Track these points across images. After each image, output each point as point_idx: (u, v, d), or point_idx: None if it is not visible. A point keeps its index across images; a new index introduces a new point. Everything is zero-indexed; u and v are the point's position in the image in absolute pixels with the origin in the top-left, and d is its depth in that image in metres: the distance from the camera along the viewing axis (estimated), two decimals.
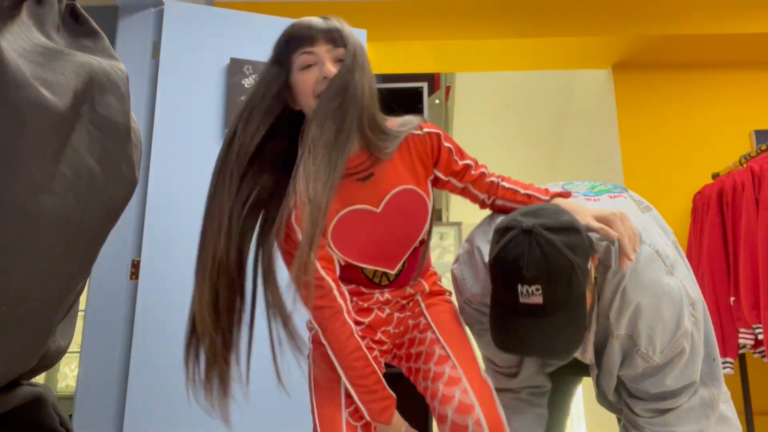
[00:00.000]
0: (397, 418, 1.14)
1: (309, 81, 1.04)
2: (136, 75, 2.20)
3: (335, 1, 3.03)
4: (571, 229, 1.04)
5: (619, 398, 1.26)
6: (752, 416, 2.62)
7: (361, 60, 1.08)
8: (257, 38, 2.35)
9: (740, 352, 2.55)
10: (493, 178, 1.26)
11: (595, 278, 1.16)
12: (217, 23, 2.32)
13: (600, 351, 1.21)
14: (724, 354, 2.53)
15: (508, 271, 1.02)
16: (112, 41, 2.25)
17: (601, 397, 1.30)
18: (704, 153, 3.11)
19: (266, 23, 2.38)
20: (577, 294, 1.03)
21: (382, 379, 1.14)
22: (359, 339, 1.11)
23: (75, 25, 0.59)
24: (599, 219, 1.14)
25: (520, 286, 1.01)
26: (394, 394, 1.14)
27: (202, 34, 2.29)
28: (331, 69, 1.02)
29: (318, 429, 1.11)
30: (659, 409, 1.19)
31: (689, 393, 1.18)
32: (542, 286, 1.00)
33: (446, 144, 1.21)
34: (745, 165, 2.65)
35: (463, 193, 1.27)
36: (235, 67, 2.25)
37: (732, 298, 2.54)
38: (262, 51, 2.32)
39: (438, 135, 1.20)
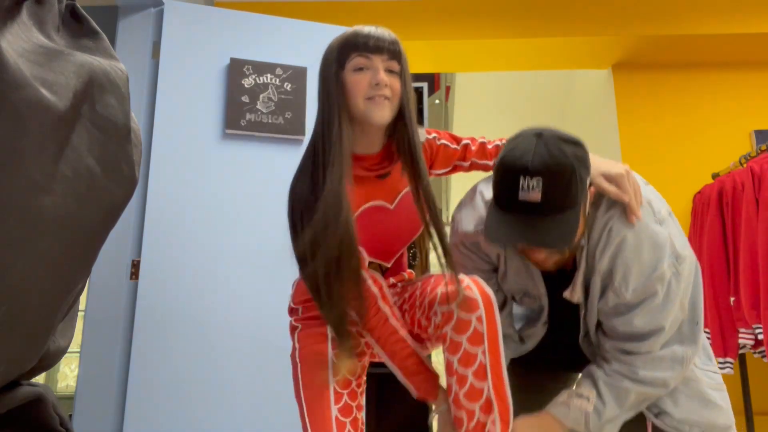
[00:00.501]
0: (442, 393, 1.16)
1: (361, 83, 1.10)
2: (136, 75, 2.20)
3: (335, 1, 3.03)
4: (579, 144, 1.10)
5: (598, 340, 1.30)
6: (752, 416, 2.62)
7: (410, 78, 1.18)
8: (257, 38, 2.35)
9: (740, 352, 2.55)
10: (496, 142, 1.33)
11: (588, 215, 1.19)
12: (217, 23, 2.32)
13: (587, 292, 1.25)
14: (724, 354, 2.53)
15: (513, 165, 1.05)
16: (112, 41, 2.25)
17: (586, 341, 1.32)
18: (704, 153, 3.11)
19: (266, 23, 2.38)
20: (573, 201, 1.06)
21: (423, 358, 1.17)
22: (396, 323, 1.14)
23: (75, 25, 0.59)
24: (608, 178, 1.17)
25: (522, 179, 1.03)
26: (437, 372, 1.17)
27: (202, 34, 2.29)
28: (383, 77, 1.10)
29: (309, 428, 1.11)
30: (625, 350, 1.22)
31: (657, 340, 1.19)
32: (543, 180, 1.03)
33: (439, 142, 1.30)
34: (745, 165, 2.65)
35: (473, 167, 1.33)
36: (235, 67, 2.26)
37: (732, 298, 2.54)
38: (262, 51, 2.33)
39: (432, 140, 1.30)
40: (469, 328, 1.06)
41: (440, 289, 1.10)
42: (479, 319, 1.06)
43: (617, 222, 1.17)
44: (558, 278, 1.29)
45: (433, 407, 1.20)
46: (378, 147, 1.20)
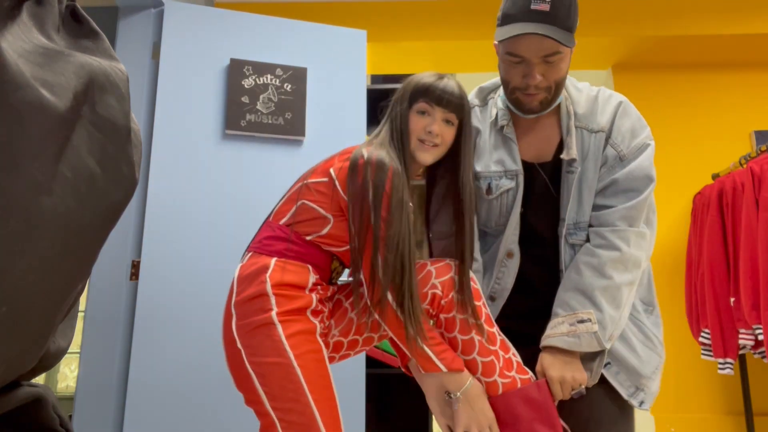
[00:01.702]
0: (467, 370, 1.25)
1: (418, 125, 1.28)
2: (136, 75, 2.20)
3: (335, 1, 3.03)
4: None
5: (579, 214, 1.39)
6: (752, 416, 2.63)
7: (470, 130, 1.34)
8: (257, 39, 2.35)
9: (740, 352, 2.55)
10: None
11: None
12: (217, 24, 2.32)
13: (584, 155, 1.38)
14: (724, 354, 2.53)
15: None
16: (113, 42, 2.25)
17: (569, 238, 1.38)
18: (704, 153, 3.11)
19: (266, 24, 2.38)
20: (571, 26, 1.27)
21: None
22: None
23: (75, 25, 0.59)
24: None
25: None
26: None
27: (202, 35, 2.29)
28: (437, 128, 1.26)
29: (322, 428, 1.10)
30: (624, 216, 1.34)
31: (650, 192, 1.36)
32: None
33: None
34: (745, 165, 2.65)
35: None
36: (235, 68, 2.26)
37: (732, 299, 2.54)
38: (262, 51, 2.34)
39: None
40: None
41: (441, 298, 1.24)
42: (474, 279, 1.28)
43: (613, 93, 1.42)
44: (533, 173, 1.41)
45: (453, 393, 1.21)
46: (421, 170, 1.39)
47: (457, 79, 1.34)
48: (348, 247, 1.25)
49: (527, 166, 1.40)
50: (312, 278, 1.22)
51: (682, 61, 3.24)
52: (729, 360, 2.52)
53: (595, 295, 1.28)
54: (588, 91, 1.44)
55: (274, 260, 1.21)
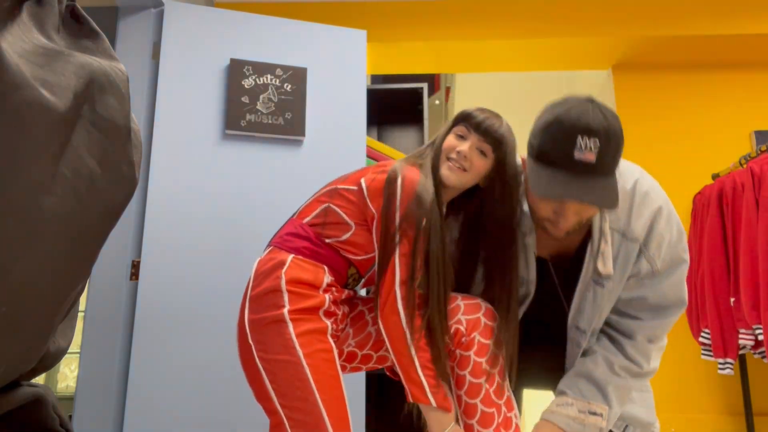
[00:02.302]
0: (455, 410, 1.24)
1: (450, 145, 1.28)
2: (136, 76, 2.20)
3: (335, 1, 3.03)
4: (617, 117, 1.14)
5: (588, 326, 1.32)
6: (752, 416, 2.63)
7: (508, 168, 1.29)
8: (257, 39, 2.35)
9: (740, 352, 2.55)
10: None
11: None
12: (217, 24, 2.32)
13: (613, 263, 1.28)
14: (724, 354, 2.53)
15: (573, 126, 1.08)
16: (113, 42, 2.25)
17: (582, 322, 1.33)
18: (704, 153, 3.11)
19: (266, 24, 2.38)
20: (615, 167, 1.12)
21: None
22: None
23: (75, 25, 0.59)
24: None
25: (580, 138, 1.07)
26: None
27: (202, 35, 2.29)
28: (466, 150, 1.25)
29: (330, 428, 1.09)
30: (648, 336, 1.29)
31: (678, 313, 1.29)
32: (600, 142, 1.07)
33: None
34: (745, 165, 2.65)
35: None
36: (235, 68, 2.26)
37: (732, 299, 2.54)
38: (262, 51, 2.33)
39: None
40: (493, 333, 1.25)
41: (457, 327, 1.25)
42: (498, 327, 1.26)
43: (652, 190, 1.25)
44: (545, 271, 1.33)
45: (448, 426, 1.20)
46: (450, 197, 1.34)
47: (509, 123, 1.30)
48: (365, 256, 1.26)
49: (540, 261, 1.32)
50: (327, 279, 1.22)
51: (682, 61, 3.24)
52: (729, 360, 2.51)
53: (608, 392, 1.25)
54: (622, 182, 1.24)
55: (291, 257, 1.22)
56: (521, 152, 1.33)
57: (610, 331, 1.32)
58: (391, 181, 1.22)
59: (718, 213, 2.67)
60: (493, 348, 1.23)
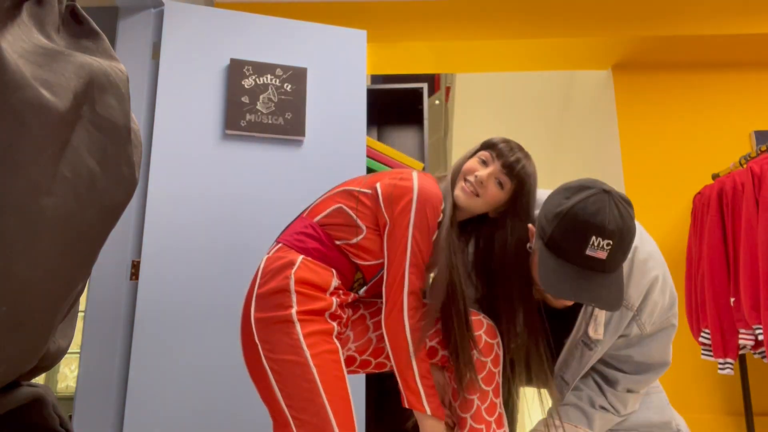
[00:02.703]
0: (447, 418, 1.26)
1: (471, 168, 1.28)
2: (136, 76, 2.20)
3: (335, 1, 3.03)
4: (631, 205, 1.14)
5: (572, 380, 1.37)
6: (752, 417, 2.63)
7: (525, 207, 1.28)
8: (257, 39, 2.35)
9: (740, 352, 2.55)
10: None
11: None
12: (217, 24, 2.32)
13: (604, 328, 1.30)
14: (724, 354, 2.53)
15: (588, 223, 1.08)
16: (113, 42, 2.25)
17: (567, 375, 1.38)
18: (704, 153, 3.11)
19: (266, 24, 2.38)
20: (626, 256, 1.13)
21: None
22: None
23: (75, 25, 0.59)
24: None
25: (594, 238, 1.07)
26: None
27: (202, 35, 2.29)
28: (484, 176, 1.25)
29: (336, 428, 1.09)
30: (629, 388, 1.33)
31: (660, 373, 1.33)
32: (613, 243, 1.08)
33: None
34: (745, 165, 2.65)
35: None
36: (235, 68, 2.26)
37: (732, 299, 2.54)
38: (262, 51, 2.33)
39: None
40: (493, 350, 1.25)
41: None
42: (498, 344, 1.28)
43: (651, 258, 1.25)
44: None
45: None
46: (459, 218, 1.33)
47: (533, 164, 1.29)
48: (374, 261, 1.26)
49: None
50: (335, 282, 1.22)
51: (682, 61, 3.24)
52: (729, 360, 2.51)
53: (594, 420, 1.31)
54: None
55: (301, 258, 1.21)
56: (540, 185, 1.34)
57: (594, 376, 1.37)
58: (407, 189, 1.21)
59: (718, 213, 2.67)
60: (490, 366, 1.24)
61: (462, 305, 1.22)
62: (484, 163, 1.27)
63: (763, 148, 2.58)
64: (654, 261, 1.27)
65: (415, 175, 1.25)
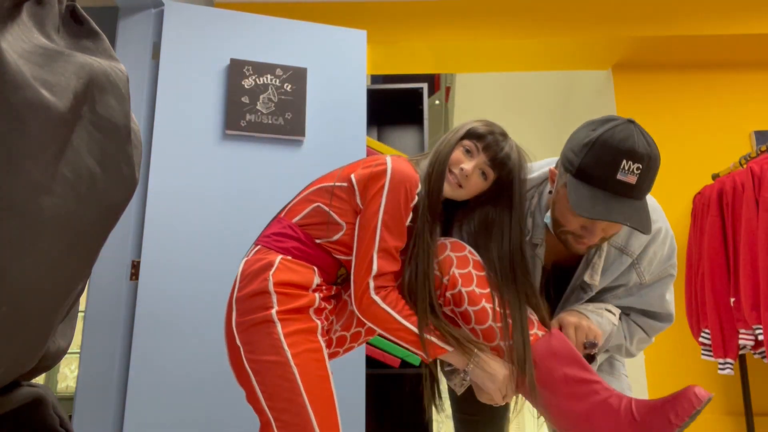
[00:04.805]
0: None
1: (456, 160, 1.27)
2: (136, 76, 2.20)
3: (335, 1, 3.03)
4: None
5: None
6: (752, 417, 2.63)
7: (516, 196, 1.30)
8: (257, 39, 2.35)
9: (740, 353, 2.55)
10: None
11: None
12: (218, 24, 2.32)
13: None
14: (724, 354, 2.53)
15: (618, 148, 1.10)
16: (113, 42, 2.25)
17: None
18: (704, 153, 3.11)
19: (266, 24, 2.38)
20: (652, 185, 1.16)
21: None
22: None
23: (75, 25, 0.59)
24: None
25: (625, 161, 1.10)
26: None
27: (202, 35, 2.29)
28: (468, 169, 1.25)
29: (314, 421, 1.09)
30: (643, 322, 1.39)
31: (664, 323, 1.38)
32: (642, 167, 1.10)
33: None
34: (745, 166, 2.65)
35: None
36: (235, 68, 2.26)
37: (732, 299, 2.54)
38: (262, 51, 2.34)
39: None
40: (468, 259, 1.28)
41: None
42: (470, 251, 1.29)
43: (652, 211, 1.26)
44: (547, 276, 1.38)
45: (466, 367, 1.22)
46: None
47: (515, 146, 1.30)
48: None
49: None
50: (316, 280, 1.21)
51: (682, 61, 3.24)
52: (729, 360, 2.51)
53: (621, 316, 1.35)
54: None
55: (279, 258, 1.20)
56: (535, 159, 1.35)
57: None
58: (380, 173, 1.21)
59: (718, 213, 2.67)
60: (474, 272, 1.25)
61: (426, 292, 1.22)
62: (469, 153, 1.27)
63: (763, 148, 2.58)
64: (657, 214, 1.30)
65: (389, 159, 1.24)
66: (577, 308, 1.30)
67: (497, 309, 1.22)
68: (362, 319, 1.21)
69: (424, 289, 1.21)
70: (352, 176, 1.26)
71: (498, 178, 1.28)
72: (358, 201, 1.23)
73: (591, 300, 1.35)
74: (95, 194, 0.54)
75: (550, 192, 1.28)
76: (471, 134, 1.28)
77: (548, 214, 1.29)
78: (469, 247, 1.29)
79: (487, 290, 1.24)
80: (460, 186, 1.26)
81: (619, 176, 1.10)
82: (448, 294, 1.24)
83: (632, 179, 1.10)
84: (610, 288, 1.36)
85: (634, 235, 1.29)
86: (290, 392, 1.09)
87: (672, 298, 1.38)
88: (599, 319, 1.27)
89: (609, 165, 1.11)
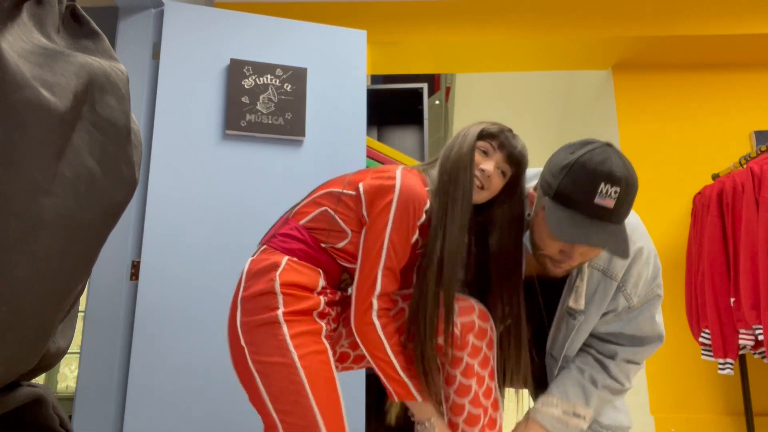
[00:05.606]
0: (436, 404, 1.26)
1: (477, 163, 1.25)
2: (136, 76, 2.20)
3: (335, 1, 3.03)
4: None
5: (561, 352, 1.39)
6: (752, 417, 2.63)
7: (519, 189, 1.31)
8: (257, 39, 2.35)
9: (740, 352, 2.55)
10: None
11: None
12: (218, 24, 2.32)
13: (588, 299, 1.32)
14: (724, 355, 2.53)
15: (596, 170, 1.10)
16: (113, 42, 2.25)
17: (555, 350, 1.39)
18: (704, 154, 3.11)
19: (266, 24, 2.38)
20: (630, 209, 1.15)
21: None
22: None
23: (75, 26, 0.59)
24: None
25: (603, 185, 1.09)
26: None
27: (202, 35, 2.29)
28: (490, 169, 1.24)
29: (321, 423, 1.09)
30: (627, 359, 1.35)
31: (655, 346, 1.34)
32: (620, 190, 1.10)
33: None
34: (745, 166, 2.65)
35: None
36: (235, 68, 2.26)
37: (732, 299, 2.54)
38: (262, 51, 2.34)
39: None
40: (486, 334, 1.26)
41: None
42: (491, 327, 1.27)
43: (635, 233, 1.26)
44: (532, 290, 1.36)
45: (427, 420, 1.22)
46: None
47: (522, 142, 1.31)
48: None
49: (527, 280, 1.35)
50: (321, 282, 1.21)
51: (682, 61, 3.24)
52: (729, 360, 2.51)
53: (591, 398, 1.32)
54: None
55: (286, 259, 1.19)
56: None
57: (592, 352, 1.38)
58: (389, 188, 1.19)
59: (718, 213, 2.67)
60: (485, 350, 1.24)
61: (449, 289, 1.21)
62: (485, 154, 1.25)
63: (763, 148, 2.58)
64: (638, 233, 1.29)
65: (399, 173, 1.21)
66: (544, 416, 1.29)
67: (480, 396, 1.22)
68: (355, 333, 1.21)
69: (429, 329, 1.20)
70: (360, 185, 1.23)
71: (513, 176, 1.28)
72: (364, 212, 1.21)
73: (588, 335, 1.35)
74: (95, 194, 0.54)
75: (529, 215, 1.27)
76: (484, 135, 1.27)
77: (528, 234, 1.29)
78: (492, 321, 1.28)
79: (485, 372, 1.23)
80: (482, 188, 1.24)
81: (597, 200, 1.09)
82: (450, 350, 1.23)
83: (610, 203, 1.10)
84: (604, 319, 1.35)
85: (614, 257, 1.27)
86: (296, 394, 1.08)
87: (661, 320, 1.36)
88: (563, 429, 1.28)
89: (587, 188, 1.10)
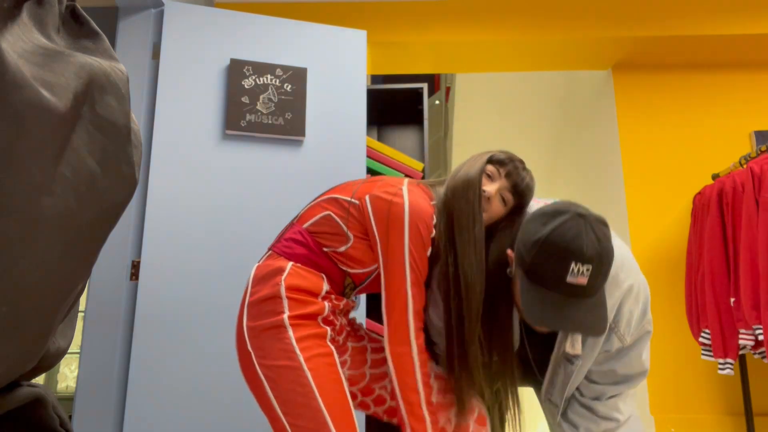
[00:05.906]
0: None
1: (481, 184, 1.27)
2: (136, 76, 2.20)
3: (335, 1, 3.03)
4: (607, 225, 1.13)
5: (561, 396, 1.37)
6: (752, 417, 2.63)
7: (520, 218, 1.29)
8: (257, 39, 2.35)
9: (740, 352, 2.55)
10: None
11: None
12: (218, 24, 2.32)
13: (583, 343, 1.31)
14: (724, 355, 2.53)
15: (567, 249, 1.07)
16: (113, 42, 2.25)
17: (554, 396, 1.38)
18: (704, 154, 3.11)
19: (266, 24, 2.38)
20: (604, 282, 1.13)
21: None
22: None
23: (75, 26, 0.59)
24: None
25: (574, 264, 1.07)
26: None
27: (202, 35, 2.29)
28: (491, 191, 1.25)
29: (332, 425, 1.08)
30: (618, 393, 1.34)
31: (640, 380, 1.33)
32: (593, 268, 1.07)
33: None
34: (745, 166, 2.65)
35: None
36: (235, 68, 2.26)
37: (732, 299, 2.54)
38: (262, 51, 2.34)
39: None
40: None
41: None
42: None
43: (623, 270, 1.24)
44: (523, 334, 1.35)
45: None
46: None
47: (532, 176, 1.31)
48: (361, 270, 1.25)
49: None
50: (326, 287, 1.21)
51: (682, 61, 3.24)
52: (729, 360, 2.51)
53: None
54: None
55: (290, 264, 1.20)
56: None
57: (577, 396, 1.37)
58: (398, 209, 1.19)
59: (718, 213, 2.67)
60: None
61: (475, 312, 1.22)
62: (490, 177, 1.27)
63: (763, 148, 2.58)
64: (626, 271, 1.26)
65: (405, 191, 1.22)
66: None
67: None
68: (388, 356, 1.20)
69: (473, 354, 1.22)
70: (367, 198, 1.24)
71: (514, 207, 1.28)
72: (373, 226, 1.22)
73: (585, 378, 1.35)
74: (95, 194, 0.54)
75: (510, 271, 1.26)
76: (494, 160, 1.28)
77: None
78: (488, 427, 1.30)
79: None
80: (483, 211, 1.25)
81: (569, 279, 1.07)
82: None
83: (583, 280, 1.07)
84: (598, 358, 1.34)
85: (608, 296, 1.25)
86: (305, 397, 1.08)
87: (648, 355, 1.35)
88: None
89: (558, 267, 1.08)
